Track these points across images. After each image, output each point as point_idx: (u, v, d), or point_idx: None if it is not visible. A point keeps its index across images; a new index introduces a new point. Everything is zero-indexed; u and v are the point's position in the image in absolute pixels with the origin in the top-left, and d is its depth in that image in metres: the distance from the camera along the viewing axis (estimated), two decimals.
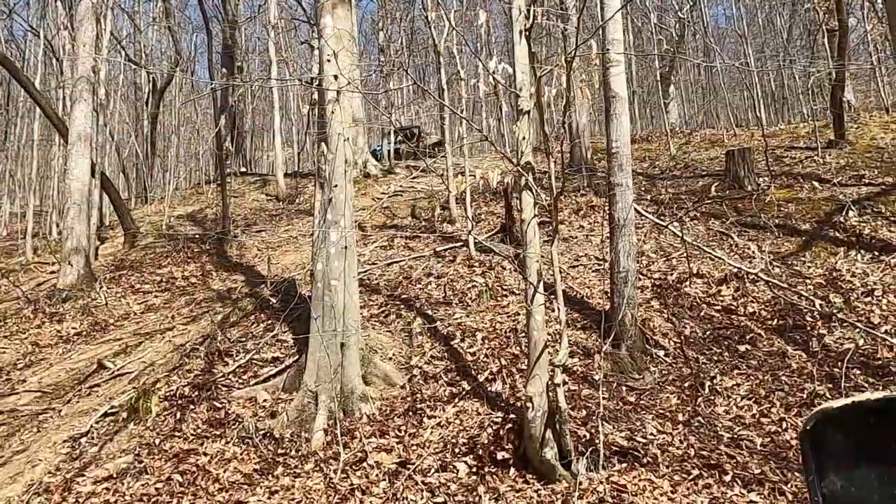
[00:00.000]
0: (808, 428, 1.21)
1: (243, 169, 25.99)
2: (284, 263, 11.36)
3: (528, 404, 5.15)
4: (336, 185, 6.26)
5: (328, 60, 6.36)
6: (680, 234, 7.45)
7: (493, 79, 6.52)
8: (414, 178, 18.22)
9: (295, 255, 11.85)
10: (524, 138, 5.57)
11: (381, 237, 11.52)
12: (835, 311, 6.69)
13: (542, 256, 5.56)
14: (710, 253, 7.42)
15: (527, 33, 5.77)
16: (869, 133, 14.52)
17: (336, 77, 6.30)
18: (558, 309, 5.28)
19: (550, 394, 5.13)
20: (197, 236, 13.83)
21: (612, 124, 6.95)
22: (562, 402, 5.09)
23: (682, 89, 31.74)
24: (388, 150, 24.10)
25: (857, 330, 6.66)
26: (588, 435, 5.34)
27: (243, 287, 9.88)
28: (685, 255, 8.01)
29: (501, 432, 5.35)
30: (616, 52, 7.01)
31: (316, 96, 7.40)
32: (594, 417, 5.59)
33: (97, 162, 13.57)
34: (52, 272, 12.69)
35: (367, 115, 20.49)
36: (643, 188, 12.39)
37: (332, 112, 6.32)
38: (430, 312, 7.53)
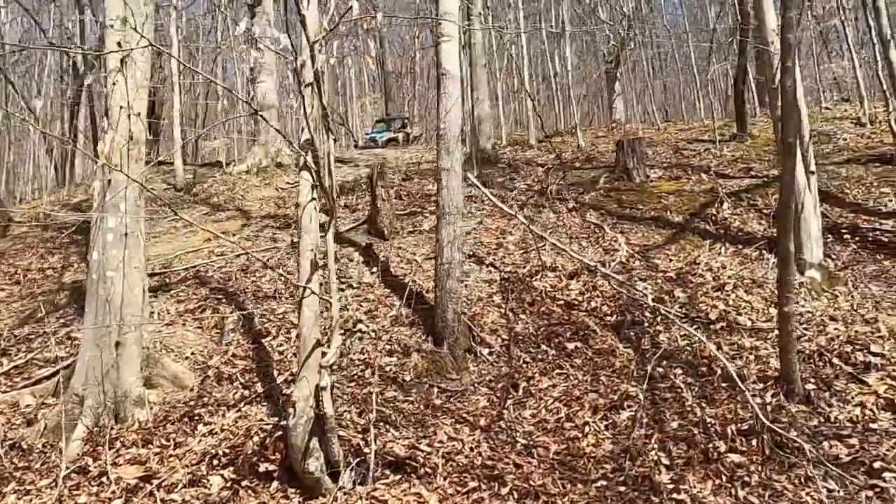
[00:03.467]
0: None
1: (160, 158, 24.93)
2: (154, 252, 10.60)
3: (290, 410, 4.60)
4: (116, 165, 5.58)
5: (110, 26, 5.67)
6: (526, 223, 6.98)
7: (261, 46, 5.95)
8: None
9: (163, 247, 11.09)
10: (308, 112, 4.98)
11: (256, 228, 10.86)
12: (662, 307, 6.27)
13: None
14: (554, 244, 6.97)
15: None
16: (770, 127, 14.35)
17: (120, 44, 5.62)
18: (330, 303, 4.73)
19: (319, 398, 4.59)
20: (69, 225, 12.92)
21: (442, 103, 6.42)
22: (328, 408, 4.55)
23: (634, 87, 31.47)
24: (378, 138, 24.37)
25: (695, 327, 6.28)
26: (368, 443, 4.80)
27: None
28: (535, 247, 7.54)
29: (268, 441, 4.79)
30: (449, 24, 6.48)
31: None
32: (383, 423, 5.07)
33: None
34: None
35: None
36: (535, 178, 11.95)
37: (114, 83, 5.64)
38: (251, 307, 6.91)
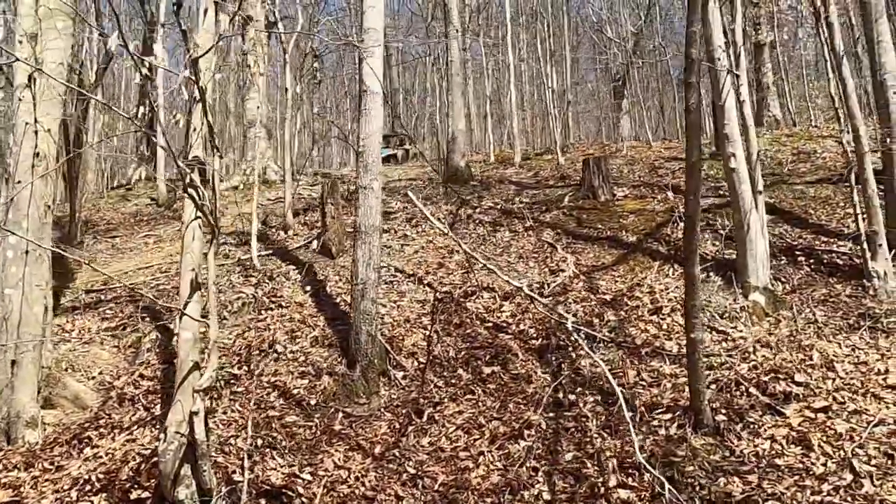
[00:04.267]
0: None
1: (156, 173, 25.17)
2: (113, 269, 10.57)
3: (162, 435, 4.44)
4: (19, 182, 5.52)
5: (19, 41, 5.64)
6: (458, 241, 6.79)
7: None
8: (314, 184, 17.54)
9: (127, 263, 11.07)
10: (195, 129, 4.88)
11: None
12: (585, 330, 6.04)
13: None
14: (484, 263, 6.75)
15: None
16: (762, 144, 14.06)
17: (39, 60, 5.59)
18: (209, 325, 4.58)
19: (192, 423, 4.43)
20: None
21: (362, 121, 6.30)
22: (199, 434, 4.38)
23: (644, 104, 31.18)
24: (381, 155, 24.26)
25: (619, 352, 6.05)
26: (249, 471, 4.62)
27: None
28: (472, 267, 7.36)
29: (143, 467, 4.63)
30: (372, 41, 6.37)
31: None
32: (270, 450, 4.89)
33: None
34: None
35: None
36: (503, 197, 11.77)
37: (20, 98, 5.59)
38: (173, 326, 6.78)
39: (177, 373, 4.59)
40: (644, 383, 5.51)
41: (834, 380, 5.42)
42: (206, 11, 5.07)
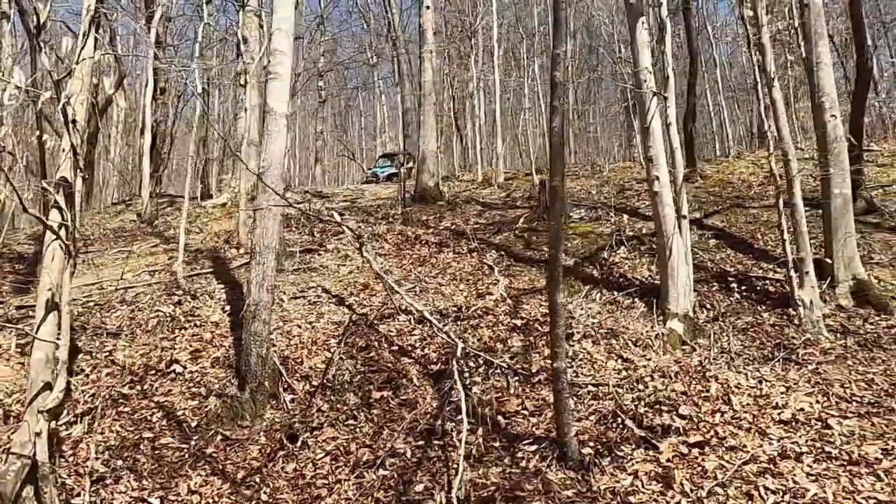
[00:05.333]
0: None
1: (158, 189, 25.60)
2: (78, 283, 10.70)
3: (3, 455, 4.43)
4: None
5: None
6: (371, 262, 6.73)
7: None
8: (303, 202, 17.68)
9: (90, 277, 11.19)
10: (63, 151, 4.91)
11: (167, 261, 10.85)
12: (469, 356, 5.91)
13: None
14: (392, 286, 6.69)
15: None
16: (731, 168, 13.82)
17: None
18: (59, 344, 4.58)
19: (37, 444, 4.42)
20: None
21: (265, 142, 6.30)
22: (41, 455, 4.36)
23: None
24: (379, 174, 24.51)
25: (515, 379, 5.91)
26: (95, 494, 4.58)
27: None
28: (385, 289, 7.28)
29: None
30: (277, 63, 6.39)
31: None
32: (129, 472, 4.85)
33: None
34: None
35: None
36: (465, 218, 11.70)
37: None
38: (83, 344, 6.80)
39: (27, 393, 4.58)
40: (526, 412, 5.36)
41: (724, 413, 5.22)
42: (84, 35, 5.13)
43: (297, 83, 23.09)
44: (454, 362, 5.28)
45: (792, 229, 7.11)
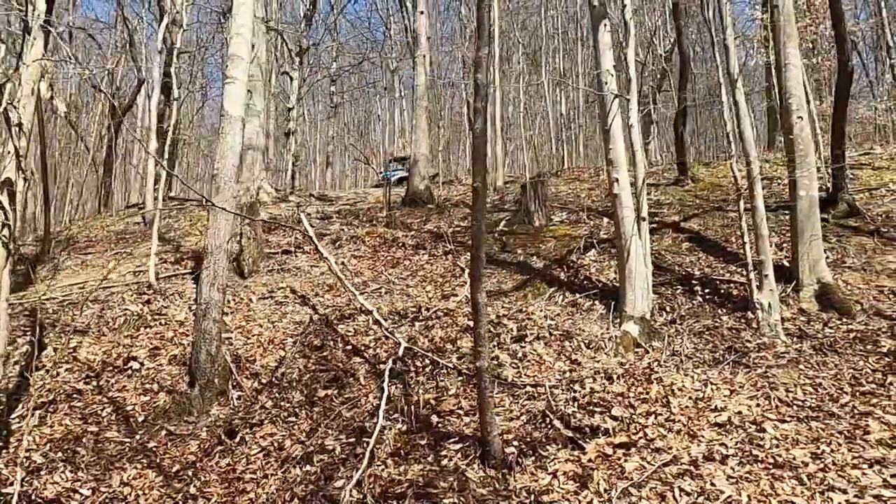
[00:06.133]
0: None
1: (171, 193, 26.11)
2: (66, 282, 10.99)
3: None
4: None
5: None
6: (330, 264, 6.83)
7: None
8: (297, 204, 17.92)
9: (82, 277, 11.48)
10: (8, 152, 5.09)
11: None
12: (414, 355, 5.95)
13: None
14: (346, 285, 6.78)
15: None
16: (725, 171, 13.65)
17: None
18: None
19: None
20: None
21: (220, 144, 6.45)
22: None
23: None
24: (391, 177, 24.50)
25: (459, 379, 5.94)
26: (27, 484, 4.73)
27: None
28: (346, 289, 7.36)
29: None
30: (235, 67, 6.53)
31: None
32: (67, 464, 4.99)
33: None
34: None
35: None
36: (449, 221, 11.76)
37: None
38: (49, 341, 7.01)
39: None
40: (461, 411, 5.39)
41: (659, 415, 5.19)
42: (34, 38, 5.32)
43: (269, 85, 23.25)
44: (391, 361, 5.34)
45: (753, 232, 7.03)
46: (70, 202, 30.19)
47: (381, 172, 27.96)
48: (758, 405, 5.33)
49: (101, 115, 33.15)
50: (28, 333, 7.49)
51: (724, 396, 5.49)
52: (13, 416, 5.75)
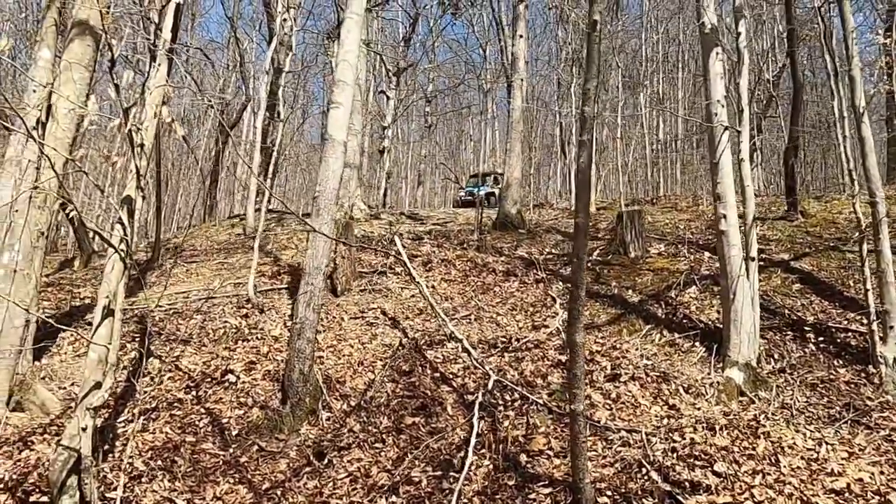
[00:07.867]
0: None
1: (270, 206, 27.24)
2: (171, 291, 11.61)
3: (55, 446, 4.87)
4: (17, 210, 6.37)
5: (34, 91, 6.57)
6: (421, 288, 6.84)
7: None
8: (389, 223, 18.25)
9: (184, 286, 12.09)
10: (130, 172, 5.40)
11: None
12: (522, 392, 5.80)
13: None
14: (437, 310, 6.74)
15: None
16: (840, 207, 12.75)
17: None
18: (109, 348, 4.99)
19: (82, 438, 4.83)
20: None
21: (322, 167, 6.61)
22: (84, 448, 4.76)
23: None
24: (482, 192, 24.74)
25: (549, 415, 5.76)
26: (129, 490, 4.94)
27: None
28: (438, 315, 7.32)
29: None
30: (340, 92, 6.70)
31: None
32: (165, 473, 5.19)
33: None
34: None
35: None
36: (541, 247, 11.57)
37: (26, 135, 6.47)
38: (155, 349, 7.36)
39: (80, 390, 5.02)
40: (551, 452, 5.20)
41: (768, 475, 4.81)
42: (159, 64, 5.65)
43: (367, 104, 23.74)
44: (480, 394, 5.24)
45: (876, 279, 6.47)
46: (178, 211, 32.22)
47: (459, 188, 28.03)
48: (881, 472, 4.85)
49: (210, 129, 35.26)
50: (136, 340, 7.90)
51: (842, 459, 5.03)
52: (119, 419, 6.04)
